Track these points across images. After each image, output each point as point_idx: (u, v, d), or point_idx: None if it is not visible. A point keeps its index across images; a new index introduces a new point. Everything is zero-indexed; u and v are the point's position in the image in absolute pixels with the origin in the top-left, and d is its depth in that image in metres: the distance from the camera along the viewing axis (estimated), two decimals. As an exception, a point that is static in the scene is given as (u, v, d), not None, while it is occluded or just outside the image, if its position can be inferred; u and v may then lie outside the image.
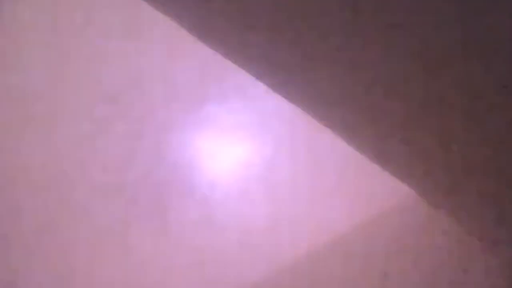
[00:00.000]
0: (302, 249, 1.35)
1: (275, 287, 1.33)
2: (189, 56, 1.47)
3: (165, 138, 1.44)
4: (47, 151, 1.45)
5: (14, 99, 1.49)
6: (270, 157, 1.41)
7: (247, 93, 1.44)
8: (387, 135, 1.12)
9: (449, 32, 0.79)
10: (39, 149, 1.45)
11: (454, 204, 1.25)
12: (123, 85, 1.48)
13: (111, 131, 1.45)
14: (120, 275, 1.35)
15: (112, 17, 1.52)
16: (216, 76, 1.45)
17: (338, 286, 1.32)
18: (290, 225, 1.36)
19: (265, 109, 1.42)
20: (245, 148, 1.43)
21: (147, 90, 1.47)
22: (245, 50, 1.07)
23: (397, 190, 1.35)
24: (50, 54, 1.52)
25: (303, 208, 1.37)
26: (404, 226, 1.33)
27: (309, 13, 0.86)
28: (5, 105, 1.49)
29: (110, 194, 1.41)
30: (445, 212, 1.30)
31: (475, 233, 1.29)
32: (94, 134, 1.45)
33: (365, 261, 1.32)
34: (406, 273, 1.31)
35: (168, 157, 1.43)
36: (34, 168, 1.43)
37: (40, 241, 1.39)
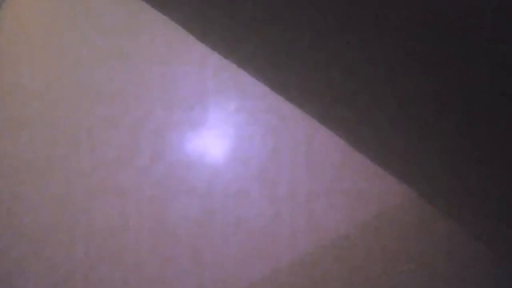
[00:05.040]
0: (302, 249, 1.34)
1: (274, 287, 1.33)
2: (189, 56, 1.47)
3: (165, 137, 1.44)
4: (46, 151, 1.45)
5: (13, 98, 1.49)
6: (270, 157, 1.41)
7: (247, 93, 1.44)
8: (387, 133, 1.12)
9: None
10: (38, 149, 1.45)
11: (454, 204, 1.25)
12: (123, 84, 1.48)
13: (111, 130, 1.45)
14: (118, 274, 1.35)
15: (112, 17, 1.51)
16: (216, 76, 1.45)
17: (338, 286, 1.32)
18: (290, 225, 1.36)
19: (265, 109, 1.42)
20: (244, 148, 1.43)
21: (147, 90, 1.47)
22: (244, 50, 1.07)
23: (397, 190, 1.35)
24: (50, 53, 1.52)
25: (303, 208, 1.37)
26: (404, 226, 1.33)
27: (301, 19, 0.86)
28: (4, 105, 1.49)
29: (109, 193, 1.41)
30: (445, 212, 1.30)
31: (475, 232, 1.29)
32: (94, 134, 1.45)
33: (365, 261, 1.32)
34: (406, 273, 1.31)
35: (167, 157, 1.43)
36: (33, 168, 1.43)
37: (39, 239, 1.39)
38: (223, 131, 1.44)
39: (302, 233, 1.35)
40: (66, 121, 1.46)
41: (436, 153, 1.17)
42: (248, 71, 1.31)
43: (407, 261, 1.31)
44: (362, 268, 1.32)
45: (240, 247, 1.36)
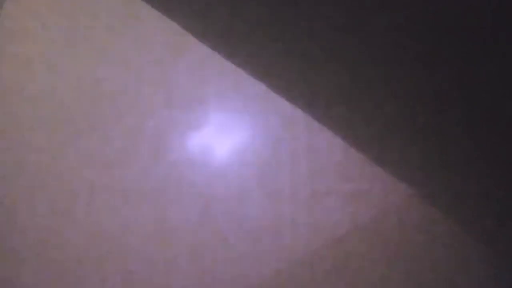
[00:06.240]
0: (302, 249, 1.34)
1: (275, 287, 1.33)
2: (189, 56, 1.47)
3: (165, 138, 1.44)
4: (46, 151, 1.45)
5: (13, 98, 1.49)
6: (270, 157, 1.41)
7: (247, 93, 1.44)
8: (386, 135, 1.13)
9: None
10: (37, 149, 1.45)
11: (453, 204, 1.25)
12: (123, 85, 1.48)
13: (111, 131, 1.45)
14: (120, 275, 1.35)
15: (112, 17, 1.51)
16: (216, 76, 1.45)
17: (338, 286, 1.32)
18: (290, 225, 1.36)
19: (265, 109, 1.42)
20: (244, 148, 1.43)
21: (147, 89, 1.47)
22: (244, 50, 1.07)
23: (397, 190, 1.35)
24: (50, 54, 1.51)
25: (303, 208, 1.37)
26: (404, 226, 1.33)
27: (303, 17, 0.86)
28: (5, 104, 1.49)
29: (109, 193, 1.41)
30: (445, 212, 1.30)
31: (475, 232, 1.29)
32: (94, 133, 1.45)
33: (365, 261, 1.32)
34: (406, 273, 1.31)
35: (167, 157, 1.43)
36: (32, 169, 1.43)
37: (39, 240, 1.39)
38: (224, 131, 1.44)
39: (302, 233, 1.35)
40: (66, 121, 1.46)
41: (436, 153, 1.17)
42: (248, 72, 1.31)
43: (407, 261, 1.31)
44: (362, 268, 1.32)
45: (240, 247, 1.36)
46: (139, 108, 1.46)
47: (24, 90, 1.49)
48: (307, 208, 1.37)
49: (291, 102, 1.27)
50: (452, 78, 0.92)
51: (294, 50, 1.00)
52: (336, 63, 1.00)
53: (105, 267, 1.36)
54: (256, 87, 1.41)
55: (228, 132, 1.44)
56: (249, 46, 1.05)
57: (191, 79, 1.46)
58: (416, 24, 0.82)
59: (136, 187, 1.41)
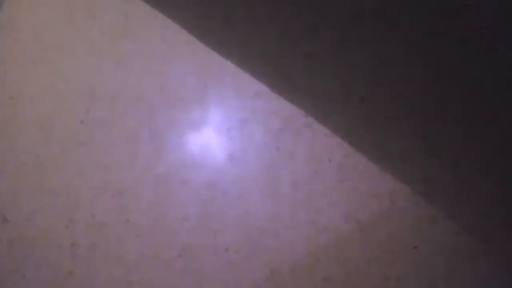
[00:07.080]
0: (302, 249, 1.34)
1: (275, 287, 1.33)
2: (189, 56, 1.47)
3: (164, 138, 1.44)
4: (46, 152, 1.45)
5: (13, 99, 1.49)
6: (270, 157, 1.41)
7: (246, 93, 1.44)
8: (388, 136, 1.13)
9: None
10: (37, 150, 1.45)
11: (454, 204, 1.25)
12: (123, 85, 1.48)
13: (111, 131, 1.45)
14: (118, 274, 1.35)
15: (111, 17, 1.51)
16: (216, 76, 1.45)
17: (338, 286, 1.32)
18: (290, 225, 1.36)
19: (265, 109, 1.42)
20: (244, 148, 1.43)
21: (147, 89, 1.47)
22: (244, 50, 1.07)
23: (397, 190, 1.35)
24: (49, 54, 1.51)
25: (304, 208, 1.37)
26: (404, 226, 1.33)
27: (307, 13, 0.86)
28: (4, 105, 1.49)
29: (109, 193, 1.41)
30: (445, 212, 1.30)
31: (475, 232, 1.29)
32: (94, 134, 1.45)
33: (364, 261, 1.32)
34: (406, 273, 1.31)
35: (167, 157, 1.43)
36: (33, 169, 1.43)
37: (39, 241, 1.39)
38: (223, 131, 1.44)
39: (302, 233, 1.35)
40: (67, 122, 1.46)
41: (436, 152, 1.18)
42: (248, 71, 1.31)
43: (406, 261, 1.31)
44: (362, 268, 1.32)
45: (240, 247, 1.36)
46: (139, 108, 1.46)
47: (23, 90, 1.49)
48: (306, 208, 1.37)
49: (291, 102, 1.27)
50: (452, 78, 0.92)
51: (295, 49, 1.00)
52: (336, 63, 1.00)
53: (104, 267, 1.36)
54: (256, 87, 1.41)
55: (227, 132, 1.44)
56: (249, 45, 1.05)
57: (191, 79, 1.46)
58: (416, 24, 0.83)
59: (136, 187, 1.41)
